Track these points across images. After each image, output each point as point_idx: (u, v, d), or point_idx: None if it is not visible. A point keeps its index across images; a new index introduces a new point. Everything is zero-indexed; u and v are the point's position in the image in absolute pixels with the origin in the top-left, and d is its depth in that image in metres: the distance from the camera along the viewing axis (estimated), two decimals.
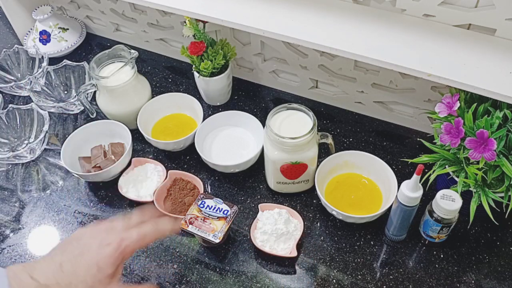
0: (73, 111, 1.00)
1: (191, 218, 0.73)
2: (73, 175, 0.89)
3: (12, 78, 1.08)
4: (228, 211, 0.74)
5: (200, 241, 0.77)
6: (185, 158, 0.90)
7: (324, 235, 0.77)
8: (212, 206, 0.74)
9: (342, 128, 0.92)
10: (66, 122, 1.00)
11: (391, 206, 0.71)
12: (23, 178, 0.91)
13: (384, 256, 0.74)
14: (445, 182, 0.72)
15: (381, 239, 0.76)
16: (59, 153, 0.85)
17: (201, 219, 0.73)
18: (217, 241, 0.70)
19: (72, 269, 0.50)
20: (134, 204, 0.84)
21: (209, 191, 0.84)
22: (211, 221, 0.73)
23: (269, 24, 0.74)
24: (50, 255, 0.52)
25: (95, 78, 0.87)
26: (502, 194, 0.66)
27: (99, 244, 0.52)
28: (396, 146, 0.88)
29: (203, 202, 0.75)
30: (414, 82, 0.83)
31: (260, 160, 0.83)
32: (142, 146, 0.93)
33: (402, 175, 0.74)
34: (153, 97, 0.94)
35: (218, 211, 0.74)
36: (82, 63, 1.02)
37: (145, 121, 0.90)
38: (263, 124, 0.80)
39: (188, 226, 0.72)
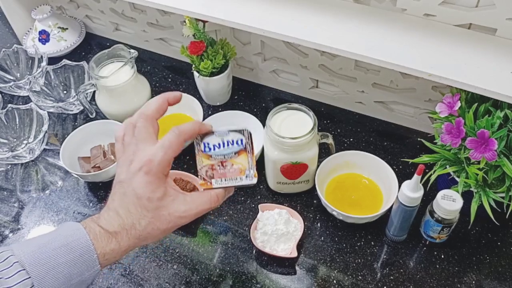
0: (72, 111, 0.99)
1: (207, 171, 0.55)
2: (73, 175, 0.89)
3: (11, 78, 1.07)
4: (242, 139, 0.55)
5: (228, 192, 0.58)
6: (185, 158, 0.89)
7: (325, 235, 0.77)
8: (220, 144, 0.55)
9: (342, 128, 0.92)
10: (66, 122, 0.99)
11: (391, 207, 0.71)
12: (22, 178, 0.90)
13: (385, 256, 0.74)
14: (446, 182, 0.72)
15: (382, 239, 0.75)
16: (59, 153, 0.85)
17: (219, 165, 0.55)
18: (255, 180, 0.55)
19: (126, 210, 0.50)
20: None
21: None
22: (232, 161, 0.55)
23: (269, 24, 0.74)
24: (107, 205, 0.52)
25: (95, 78, 0.87)
26: (503, 194, 0.66)
27: (130, 175, 0.51)
28: (397, 146, 0.88)
29: (206, 144, 0.56)
30: (414, 82, 0.82)
31: (260, 160, 0.83)
32: None
33: (402, 175, 0.74)
34: (152, 96, 0.94)
35: (231, 145, 0.55)
36: (82, 62, 1.02)
37: None
38: (263, 124, 0.79)
39: (210, 182, 0.55)
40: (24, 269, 0.45)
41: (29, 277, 0.45)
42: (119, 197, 0.52)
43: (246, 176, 0.55)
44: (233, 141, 0.55)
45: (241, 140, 0.55)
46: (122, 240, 0.50)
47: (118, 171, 0.53)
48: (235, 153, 0.55)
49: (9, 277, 0.44)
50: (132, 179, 0.51)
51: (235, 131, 0.55)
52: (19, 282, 0.44)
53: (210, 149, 0.55)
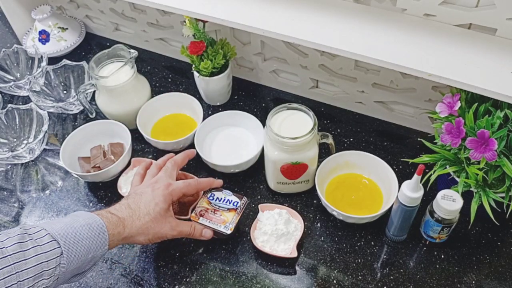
0: (72, 111, 0.99)
1: (201, 210, 0.74)
2: (73, 175, 0.89)
3: (11, 78, 1.07)
4: (238, 202, 0.74)
5: (213, 234, 0.76)
6: None
7: (325, 235, 0.77)
8: (221, 198, 0.75)
9: (342, 128, 0.92)
10: (66, 122, 0.99)
11: (391, 207, 0.71)
12: (22, 178, 0.90)
13: (385, 256, 0.74)
14: (446, 182, 0.72)
15: (382, 239, 0.75)
16: (58, 153, 0.85)
17: (211, 211, 0.74)
18: (229, 232, 0.71)
19: (137, 205, 0.66)
20: None
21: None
22: (222, 213, 0.73)
23: (269, 24, 0.74)
24: (120, 202, 0.68)
25: (95, 78, 0.87)
26: (503, 194, 0.66)
27: (152, 188, 0.69)
28: (397, 146, 0.88)
29: (212, 195, 0.75)
30: (414, 82, 0.82)
31: (260, 160, 0.83)
32: (141, 146, 0.92)
33: (402, 175, 0.74)
34: (152, 97, 0.94)
35: (228, 203, 0.74)
36: (82, 62, 1.02)
37: (144, 121, 0.90)
38: (263, 124, 0.79)
39: (198, 218, 0.73)
40: (55, 240, 0.56)
41: (59, 246, 0.56)
42: (134, 196, 0.68)
43: (225, 227, 0.72)
44: (231, 201, 0.75)
45: (237, 203, 0.74)
46: (127, 226, 0.64)
47: (138, 188, 0.71)
48: (228, 209, 0.74)
49: (44, 244, 0.55)
50: (154, 190, 0.69)
51: (237, 195, 0.75)
52: (52, 250, 0.55)
53: (213, 199, 0.75)
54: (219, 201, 0.75)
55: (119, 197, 0.82)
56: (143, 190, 0.69)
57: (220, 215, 0.73)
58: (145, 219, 0.65)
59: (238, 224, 0.74)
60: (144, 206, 0.66)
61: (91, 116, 0.96)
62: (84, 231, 0.58)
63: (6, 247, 0.53)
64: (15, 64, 1.08)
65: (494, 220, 0.66)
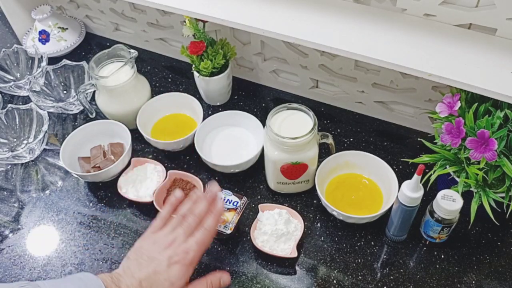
0: (72, 111, 0.99)
1: None
2: (73, 175, 0.89)
3: (11, 78, 1.07)
4: (237, 202, 0.75)
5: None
6: (185, 158, 0.89)
7: (325, 235, 0.77)
8: (221, 198, 0.75)
9: (342, 128, 0.92)
10: (66, 122, 0.99)
11: (391, 207, 0.71)
12: (22, 178, 0.90)
13: (385, 256, 0.74)
14: (446, 182, 0.72)
15: (382, 239, 0.75)
16: (58, 153, 0.85)
17: None
18: (229, 232, 0.71)
19: (149, 285, 0.58)
20: (133, 204, 0.83)
21: None
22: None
23: (269, 24, 0.74)
24: (130, 269, 0.60)
25: (95, 78, 0.87)
26: (503, 194, 0.66)
27: (168, 261, 0.60)
28: (397, 146, 0.88)
29: None
30: (414, 82, 0.82)
31: (260, 160, 0.83)
32: (141, 146, 0.92)
33: (402, 175, 0.74)
34: (152, 97, 0.94)
35: (228, 203, 0.75)
36: (82, 62, 1.02)
37: (144, 121, 0.90)
38: (263, 124, 0.79)
39: None
40: None
41: None
42: (148, 272, 0.59)
43: (225, 226, 0.72)
44: (231, 201, 0.75)
45: (237, 203, 0.74)
46: None
47: (153, 247, 0.62)
48: (227, 209, 0.73)
49: None
50: (169, 270, 0.60)
51: (237, 195, 0.75)
52: None
53: None
54: None
55: (119, 197, 0.82)
56: (158, 259, 0.60)
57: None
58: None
59: (238, 224, 0.74)
60: (158, 287, 0.59)
61: (91, 116, 0.96)
62: None
63: None
64: (15, 64, 1.08)
65: (494, 220, 0.66)
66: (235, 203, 0.74)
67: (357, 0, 0.76)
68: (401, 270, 0.72)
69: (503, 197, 0.65)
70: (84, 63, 1.02)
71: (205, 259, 0.75)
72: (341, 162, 0.80)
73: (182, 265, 0.60)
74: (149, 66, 1.09)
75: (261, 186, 0.84)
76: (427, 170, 0.69)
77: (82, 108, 0.99)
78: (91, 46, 1.17)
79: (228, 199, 0.75)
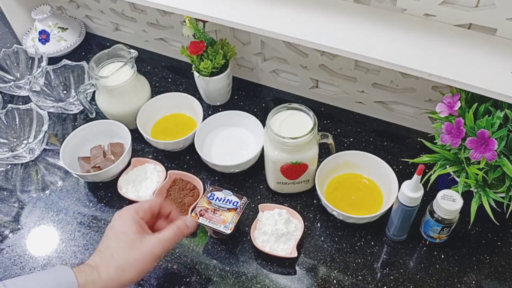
0: (72, 111, 0.99)
1: (201, 210, 0.74)
2: (73, 175, 0.89)
3: (11, 78, 1.07)
4: (237, 202, 0.74)
5: (210, 233, 0.77)
6: (185, 158, 0.89)
7: (325, 235, 0.77)
8: (221, 198, 0.75)
9: (342, 128, 0.92)
10: (66, 122, 0.99)
11: (391, 207, 0.71)
12: (22, 178, 0.90)
13: (385, 256, 0.74)
14: (446, 182, 0.72)
15: (382, 239, 0.75)
16: (58, 153, 0.85)
17: (211, 211, 0.73)
18: (228, 232, 0.71)
19: (106, 246, 0.58)
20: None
21: None
22: (221, 213, 0.73)
23: (269, 24, 0.74)
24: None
25: (95, 78, 0.87)
26: (503, 194, 0.66)
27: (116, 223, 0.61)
28: (397, 146, 0.88)
29: (212, 195, 0.75)
30: (414, 82, 0.82)
31: (260, 160, 0.83)
32: (141, 146, 0.92)
33: (402, 175, 0.74)
34: (152, 97, 0.94)
35: (228, 203, 0.74)
36: (82, 62, 1.02)
37: (144, 121, 0.90)
38: (263, 124, 0.79)
39: (198, 218, 0.73)
40: None
41: None
42: (102, 240, 0.60)
43: (225, 226, 0.72)
44: (231, 201, 0.74)
45: (237, 203, 0.74)
46: (102, 271, 0.56)
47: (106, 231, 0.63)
48: (227, 209, 0.74)
49: None
50: (114, 222, 0.61)
51: (237, 195, 0.75)
52: None
53: (213, 198, 0.75)
54: (219, 201, 0.75)
55: (119, 197, 0.82)
56: (108, 229, 0.61)
57: (220, 215, 0.73)
58: (118, 254, 0.57)
59: (238, 224, 0.74)
60: (112, 242, 0.58)
61: (91, 116, 0.95)
62: None
63: None
64: (15, 64, 1.08)
65: (494, 220, 0.66)
66: (235, 203, 0.74)
67: (357, 0, 0.76)
68: (401, 270, 0.72)
69: (503, 197, 0.65)
70: (84, 63, 1.02)
71: (205, 259, 0.75)
72: (341, 162, 0.80)
73: (122, 212, 0.62)
74: (149, 66, 1.09)
75: (261, 186, 0.84)
76: (427, 170, 0.69)
77: (82, 108, 0.99)
78: (91, 46, 1.17)
79: (228, 199, 0.75)
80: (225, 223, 0.72)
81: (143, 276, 0.59)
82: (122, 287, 0.57)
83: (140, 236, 0.58)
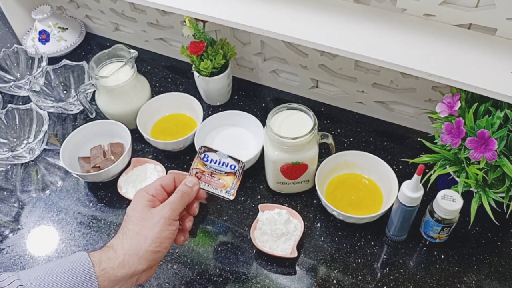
0: (72, 111, 0.99)
1: (197, 172, 0.66)
2: (73, 175, 0.89)
3: (11, 78, 1.07)
4: (235, 166, 0.67)
5: (203, 198, 0.67)
6: (185, 158, 0.89)
7: (325, 235, 0.77)
8: (216, 161, 0.67)
9: (342, 128, 0.92)
10: (66, 122, 0.99)
11: (391, 207, 0.71)
12: (22, 178, 0.90)
13: (385, 256, 0.74)
14: (446, 182, 0.72)
15: (382, 239, 0.75)
16: (58, 153, 0.85)
17: (208, 174, 0.66)
18: (232, 198, 0.65)
19: (120, 230, 0.58)
20: None
21: None
22: (220, 177, 0.66)
23: (269, 24, 0.74)
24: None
25: (95, 78, 0.87)
26: (503, 194, 0.66)
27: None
28: (397, 146, 0.88)
29: (206, 156, 0.68)
30: (414, 82, 0.82)
31: (260, 160, 0.83)
32: (141, 146, 0.92)
33: (402, 175, 0.74)
34: (152, 97, 0.94)
35: (224, 166, 0.67)
36: (82, 62, 1.02)
37: (144, 121, 0.90)
38: (263, 124, 0.79)
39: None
40: None
41: None
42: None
43: (226, 192, 0.65)
44: (228, 164, 0.67)
45: (234, 166, 0.67)
46: (118, 248, 0.55)
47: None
48: (225, 173, 0.66)
49: None
50: (127, 208, 0.60)
51: (233, 158, 0.67)
52: None
53: (207, 160, 0.67)
54: (215, 163, 0.67)
55: (119, 197, 0.82)
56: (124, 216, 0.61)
57: (218, 179, 0.66)
58: (129, 229, 0.57)
59: (239, 189, 0.69)
60: (125, 222, 0.59)
61: (91, 116, 0.96)
62: (66, 278, 0.51)
63: None
64: (15, 64, 1.08)
65: (494, 220, 0.66)
66: (232, 167, 0.67)
67: (357, 0, 0.76)
68: (401, 270, 0.72)
69: (503, 197, 0.65)
70: (84, 63, 1.02)
71: (205, 259, 0.75)
72: (341, 162, 0.80)
73: (136, 193, 0.61)
74: (149, 66, 1.09)
75: (261, 186, 0.84)
76: (427, 170, 0.69)
77: (82, 108, 1.00)
78: (91, 46, 1.17)
79: (223, 162, 0.67)
80: (226, 188, 0.65)
81: (163, 243, 0.57)
82: (145, 260, 0.56)
83: (148, 209, 0.58)
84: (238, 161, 0.68)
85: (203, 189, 0.65)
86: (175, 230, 0.59)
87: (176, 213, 0.59)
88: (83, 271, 0.52)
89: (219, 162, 0.67)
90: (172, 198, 0.60)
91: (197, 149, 0.72)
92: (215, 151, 0.68)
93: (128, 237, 0.56)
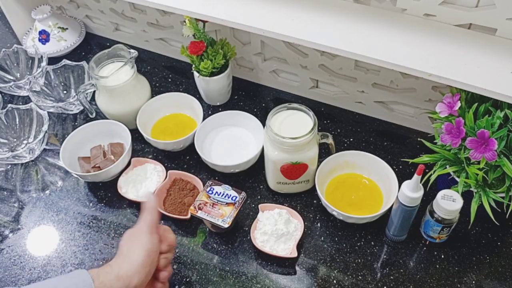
0: (72, 111, 0.99)
1: (200, 204, 0.75)
2: (73, 175, 0.89)
3: (11, 78, 1.07)
4: (236, 197, 0.75)
5: (209, 227, 0.78)
6: (185, 158, 0.89)
7: (325, 235, 0.77)
8: (220, 193, 0.76)
9: (342, 128, 0.92)
10: (66, 122, 0.99)
11: (391, 207, 0.71)
12: (22, 178, 0.90)
13: (385, 256, 0.74)
14: (446, 182, 0.72)
15: (382, 239, 0.75)
16: (58, 153, 0.85)
17: (210, 205, 0.74)
18: (226, 226, 0.72)
19: (121, 248, 0.63)
20: (133, 204, 0.83)
21: None
22: (220, 207, 0.74)
23: (269, 24, 0.74)
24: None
25: (95, 78, 0.87)
26: (503, 194, 0.66)
27: None
28: (397, 146, 0.88)
29: (211, 189, 0.76)
30: (414, 82, 0.82)
31: (260, 160, 0.83)
32: (141, 146, 0.92)
33: (402, 175, 0.74)
34: (152, 97, 0.94)
35: (226, 197, 0.75)
36: (82, 62, 1.02)
37: (144, 121, 0.90)
38: (263, 124, 0.79)
39: (197, 211, 0.74)
40: None
41: None
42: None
43: (223, 220, 0.72)
44: (230, 196, 0.75)
45: (235, 197, 0.75)
46: (113, 263, 0.61)
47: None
48: (226, 203, 0.74)
49: None
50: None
51: (236, 190, 0.76)
52: None
53: (212, 192, 0.76)
54: (218, 195, 0.75)
55: (119, 197, 0.82)
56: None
57: (218, 209, 0.74)
58: (123, 246, 0.63)
59: (236, 219, 0.75)
60: (119, 245, 0.63)
61: (91, 116, 0.96)
62: None
63: None
64: (15, 64, 1.08)
65: (494, 220, 0.66)
66: (233, 198, 0.75)
67: (357, 0, 0.76)
68: (401, 270, 0.72)
69: (503, 197, 0.65)
70: (84, 63, 1.02)
71: (205, 259, 0.75)
72: (341, 162, 0.80)
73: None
74: (149, 66, 1.09)
75: (261, 186, 0.84)
76: (427, 170, 0.69)
77: (82, 108, 1.00)
78: (91, 46, 1.17)
79: (227, 194, 0.75)
80: (223, 217, 0.73)
81: (150, 255, 0.61)
82: (137, 274, 0.60)
83: (132, 230, 0.64)
84: (240, 192, 0.76)
85: (200, 217, 0.74)
86: (158, 243, 0.64)
87: (151, 225, 0.64)
88: (85, 286, 0.56)
89: (222, 194, 0.76)
90: (141, 216, 0.66)
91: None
92: (220, 184, 0.77)
93: (121, 256, 0.62)
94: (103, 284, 0.57)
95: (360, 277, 0.71)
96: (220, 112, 0.90)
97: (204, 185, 0.78)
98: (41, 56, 1.04)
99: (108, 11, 1.10)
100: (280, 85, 1.00)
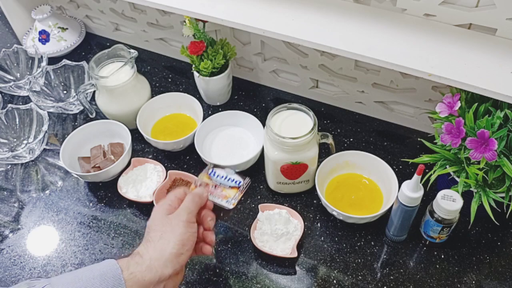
0: (72, 111, 0.99)
1: (201, 184, 0.69)
2: (73, 175, 0.89)
3: (11, 78, 1.07)
4: (240, 181, 0.70)
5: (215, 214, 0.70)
6: (185, 158, 0.89)
7: (325, 235, 0.77)
8: (223, 176, 0.70)
9: (342, 128, 0.92)
10: (66, 122, 0.99)
11: (391, 207, 0.71)
12: (22, 178, 0.90)
13: (385, 256, 0.74)
14: (446, 182, 0.72)
15: (382, 239, 0.75)
16: (58, 153, 0.85)
17: (212, 186, 0.69)
18: (231, 207, 0.67)
19: (148, 232, 0.61)
20: (133, 204, 0.83)
21: None
22: (223, 189, 0.69)
23: (269, 24, 0.74)
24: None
25: (95, 78, 0.87)
26: (503, 194, 0.66)
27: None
28: (397, 146, 0.88)
29: (213, 171, 0.71)
30: (414, 82, 0.82)
31: (260, 160, 0.83)
32: (141, 146, 0.92)
33: (402, 175, 0.74)
34: (152, 97, 0.94)
35: (230, 181, 0.70)
36: (82, 62, 1.02)
37: (144, 121, 0.90)
38: (263, 124, 0.79)
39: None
40: None
41: None
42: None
43: (227, 201, 0.67)
44: (233, 180, 0.69)
45: (240, 182, 0.69)
46: (143, 253, 0.57)
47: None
48: (229, 187, 0.69)
49: None
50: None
51: (240, 175, 0.70)
52: None
53: (214, 175, 0.70)
54: (221, 178, 0.70)
55: (119, 197, 0.82)
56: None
57: (221, 191, 0.69)
58: (151, 236, 0.59)
59: (240, 202, 0.70)
60: (146, 233, 0.61)
61: (91, 116, 0.96)
62: (96, 283, 0.53)
63: None
64: (15, 64, 1.08)
65: (494, 220, 0.66)
66: (237, 182, 0.69)
67: (357, 0, 0.76)
68: (401, 270, 0.72)
69: (503, 197, 0.65)
70: (84, 63, 1.02)
71: (205, 259, 0.75)
72: (341, 162, 0.80)
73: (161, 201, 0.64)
74: (149, 66, 1.09)
75: (261, 186, 0.84)
76: (427, 170, 0.69)
77: (82, 108, 1.00)
78: (91, 46, 1.17)
79: (230, 178, 0.70)
80: (227, 198, 0.68)
81: (185, 245, 0.59)
82: (170, 263, 0.57)
83: (167, 216, 0.61)
84: (244, 177, 0.70)
85: None
86: (195, 233, 0.61)
87: (192, 215, 0.61)
88: (113, 276, 0.53)
89: (226, 177, 0.70)
90: (185, 202, 0.62)
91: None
92: (223, 167, 0.71)
93: (152, 243, 0.58)
94: (133, 275, 0.55)
95: (360, 277, 0.71)
96: (220, 112, 0.90)
97: (206, 168, 0.72)
98: (41, 56, 1.04)
99: (108, 11, 1.10)
100: (280, 85, 1.00)
